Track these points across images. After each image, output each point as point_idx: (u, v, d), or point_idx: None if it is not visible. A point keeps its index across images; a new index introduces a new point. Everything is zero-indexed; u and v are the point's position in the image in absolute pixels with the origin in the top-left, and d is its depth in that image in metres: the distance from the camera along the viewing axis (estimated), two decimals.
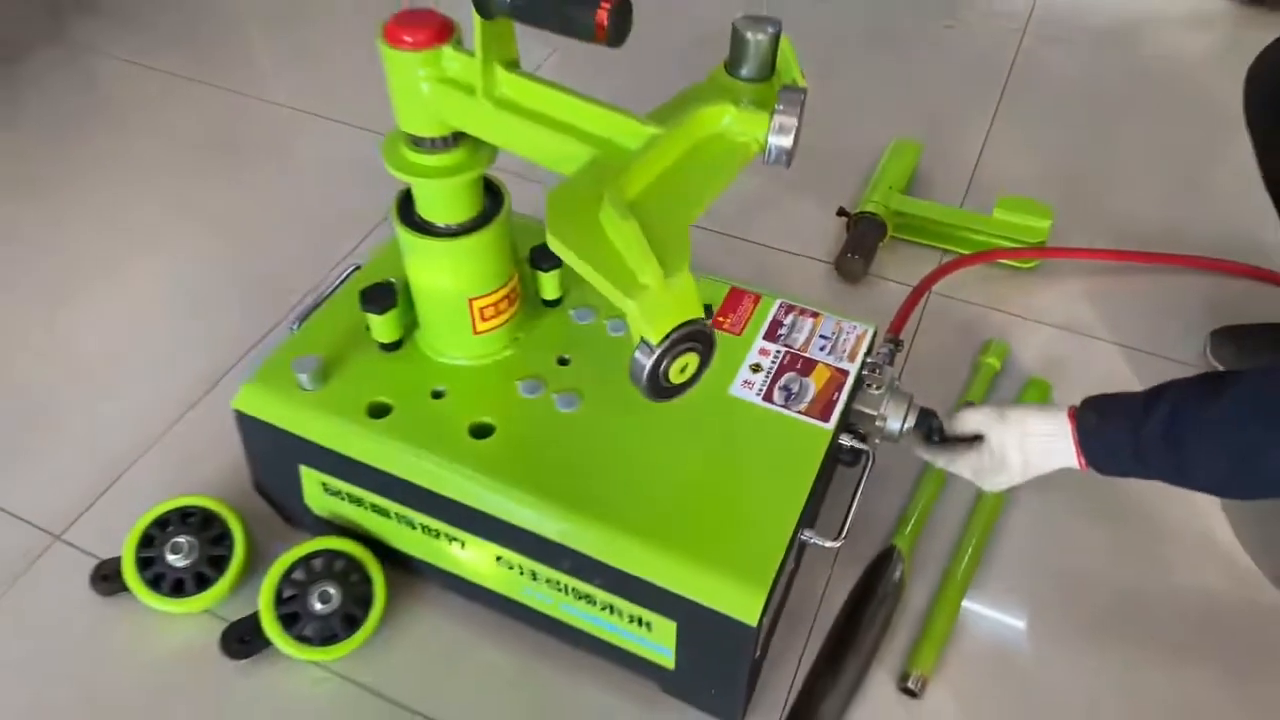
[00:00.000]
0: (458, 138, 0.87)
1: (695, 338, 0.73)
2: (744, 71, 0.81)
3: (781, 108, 0.76)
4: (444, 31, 0.82)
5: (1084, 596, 1.09)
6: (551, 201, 0.75)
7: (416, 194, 0.92)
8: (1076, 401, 0.90)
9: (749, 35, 0.79)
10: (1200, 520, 1.15)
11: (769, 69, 0.81)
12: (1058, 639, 1.06)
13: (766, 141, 0.78)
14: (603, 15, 0.70)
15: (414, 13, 0.82)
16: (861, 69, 1.90)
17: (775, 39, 0.80)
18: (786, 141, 0.78)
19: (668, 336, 0.71)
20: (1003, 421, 0.92)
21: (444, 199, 0.90)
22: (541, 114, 0.82)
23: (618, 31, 0.71)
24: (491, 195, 0.95)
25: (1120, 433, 0.84)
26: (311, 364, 0.97)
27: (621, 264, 0.71)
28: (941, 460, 0.99)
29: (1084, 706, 1.01)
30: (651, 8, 1.97)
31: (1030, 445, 0.90)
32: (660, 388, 0.75)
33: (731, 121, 0.79)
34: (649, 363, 0.72)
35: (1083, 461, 0.87)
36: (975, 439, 0.95)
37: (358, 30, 2.01)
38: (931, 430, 0.99)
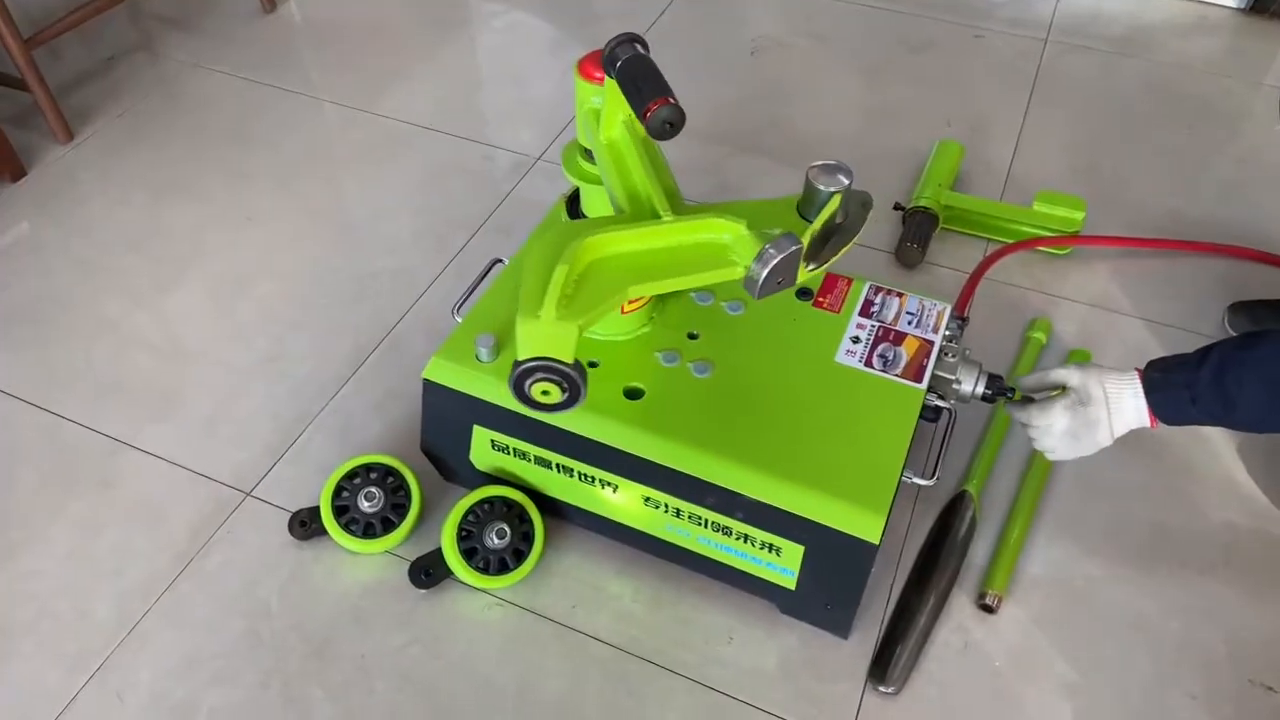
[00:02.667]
0: None
1: (551, 373, 0.91)
2: (809, 214, 0.97)
3: (771, 248, 0.90)
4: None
5: (1125, 529, 1.29)
6: (560, 226, 0.95)
7: (584, 196, 1.11)
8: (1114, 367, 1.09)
9: (819, 186, 0.94)
10: (1223, 465, 1.36)
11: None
12: (1105, 564, 1.26)
13: (751, 266, 0.92)
14: (649, 110, 0.89)
15: (598, 54, 1.00)
16: (902, 78, 2.09)
17: (836, 194, 0.93)
18: (760, 273, 0.90)
19: (528, 360, 0.90)
20: (1082, 370, 1.09)
21: (605, 201, 1.10)
22: (622, 162, 1.02)
23: (658, 129, 0.89)
24: None
25: (1179, 383, 1.02)
26: (490, 340, 1.16)
27: (540, 291, 0.89)
28: (1035, 414, 1.12)
29: (1129, 618, 1.21)
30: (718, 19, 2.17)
31: (1109, 383, 1.06)
32: (523, 396, 0.94)
33: (731, 239, 0.95)
34: (513, 374, 0.92)
35: (1151, 416, 1.04)
36: (1060, 390, 1.11)
37: (433, 46, 2.20)
38: (1012, 391, 1.17)
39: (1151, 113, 2.00)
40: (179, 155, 1.89)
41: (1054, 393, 1.12)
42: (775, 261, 0.89)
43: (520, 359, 0.90)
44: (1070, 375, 1.09)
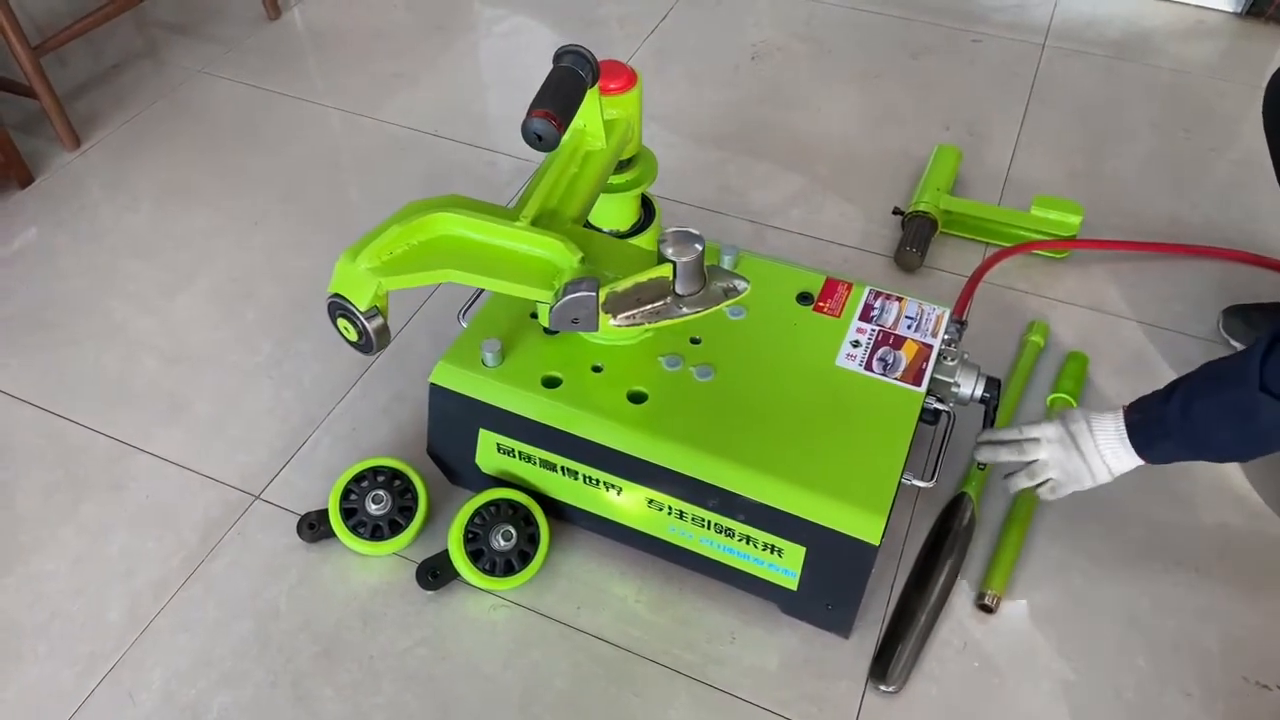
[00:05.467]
0: (628, 162, 1.08)
1: (345, 313, 0.97)
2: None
3: (569, 286, 0.94)
4: (618, 84, 1.03)
5: (1122, 530, 1.31)
6: (447, 197, 1.02)
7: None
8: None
9: (666, 251, 0.95)
10: (1217, 467, 1.37)
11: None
12: (1102, 563, 1.27)
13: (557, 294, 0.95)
14: (532, 114, 0.93)
15: (609, 64, 1.02)
16: (901, 82, 2.11)
17: (692, 262, 0.95)
18: (553, 305, 0.95)
19: (332, 294, 0.97)
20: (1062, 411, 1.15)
21: (615, 209, 1.11)
22: (550, 162, 1.06)
23: (527, 135, 0.94)
24: (646, 210, 1.16)
25: (1154, 423, 1.06)
26: (496, 345, 1.18)
27: (372, 240, 0.97)
28: (1029, 449, 1.16)
29: (1126, 617, 1.22)
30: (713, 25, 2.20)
31: (1091, 417, 1.11)
32: (333, 321, 1.00)
33: (560, 264, 0.98)
34: (328, 297, 0.99)
35: (1139, 453, 1.08)
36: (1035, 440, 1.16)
37: (436, 51, 2.21)
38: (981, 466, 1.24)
39: (1149, 117, 2.01)
40: (185, 161, 1.91)
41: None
42: (565, 299, 0.93)
43: (329, 290, 0.98)
44: (1047, 428, 1.14)
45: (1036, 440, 1.15)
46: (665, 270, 0.95)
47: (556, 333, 1.22)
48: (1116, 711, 1.14)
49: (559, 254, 0.97)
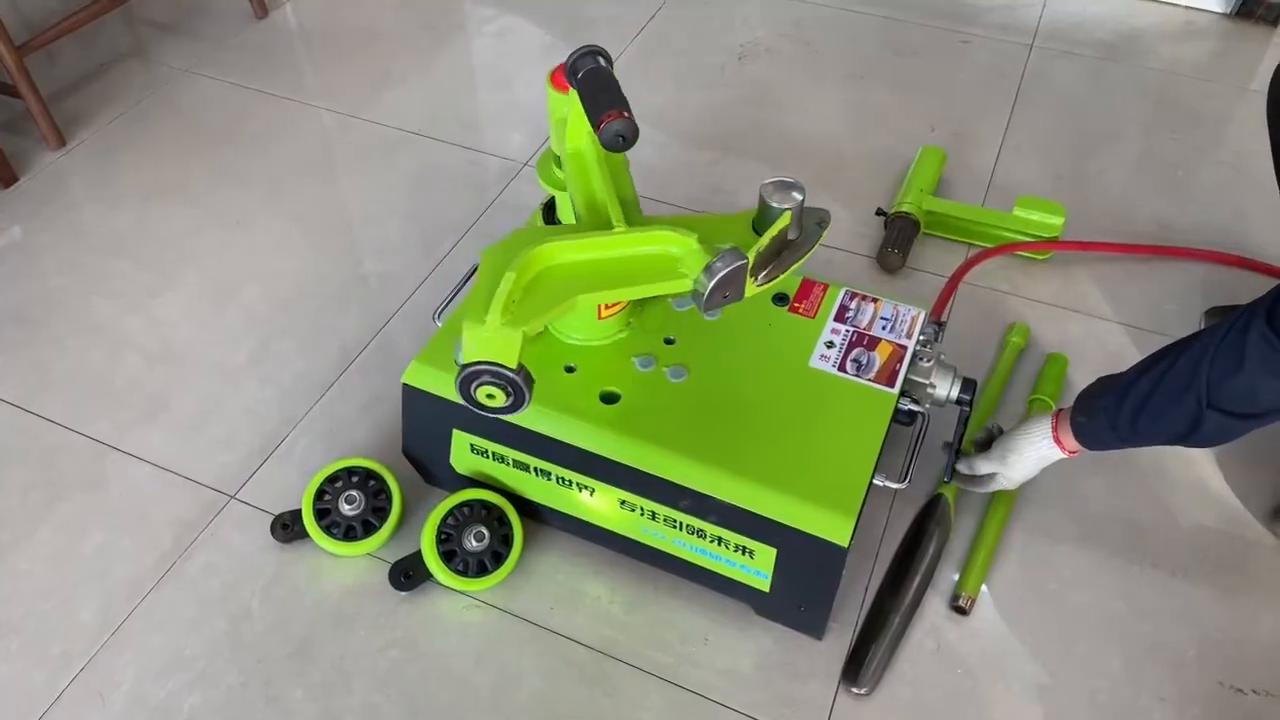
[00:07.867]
0: None
1: (494, 378, 0.92)
2: (761, 230, 0.99)
3: (718, 262, 0.92)
4: None
5: (1098, 532, 1.30)
6: (516, 233, 0.98)
7: (559, 204, 1.12)
8: (1089, 376, 1.14)
9: (771, 202, 0.96)
10: (1196, 469, 1.37)
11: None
12: (1077, 567, 1.27)
13: (698, 278, 0.94)
14: (603, 122, 0.91)
15: None
16: (887, 83, 2.10)
17: (786, 212, 0.96)
18: (705, 285, 0.93)
19: (472, 364, 0.91)
20: (1004, 463, 1.21)
21: None
22: (585, 170, 1.05)
23: (610, 141, 0.91)
24: None
25: (1104, 430, 1.09)
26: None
27: (488, 297, 0.91)
28: (981, 490, 1.28)
29: (1101, 620, 1.22)
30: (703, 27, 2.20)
31: (1028, 466, 1.19)
32: (470, 398, 0.95)
33: (681, 252, 0.97)
34: (459, 377, 0.93)
35: (1066, 450, 1.15)
36: (991, 475, 1.24)
37: (425, 51, 2.21)
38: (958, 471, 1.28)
39: (1136, 118, 2.01)
40: (170, 160, 1.91)
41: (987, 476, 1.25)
42: (721, 275, 0.92)
43: (465, 362, 0.92)
44: (997, 468, 1.23)
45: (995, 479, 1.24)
46: (785, 219, 0.97)
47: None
48: (1090, 715, 1.14)
49: (676, 243, 0.97)
